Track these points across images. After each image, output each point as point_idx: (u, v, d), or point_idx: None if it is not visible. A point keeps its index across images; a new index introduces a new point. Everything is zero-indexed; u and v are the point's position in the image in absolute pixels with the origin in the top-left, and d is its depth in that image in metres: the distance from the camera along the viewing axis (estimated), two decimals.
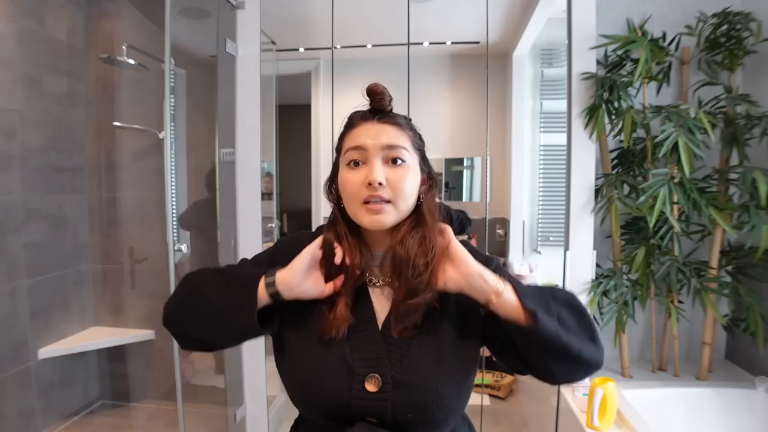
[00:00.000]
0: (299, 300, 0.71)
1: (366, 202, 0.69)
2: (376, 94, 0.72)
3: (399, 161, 0.71)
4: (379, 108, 0.73)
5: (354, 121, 0.74)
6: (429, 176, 0.77)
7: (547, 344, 0.63)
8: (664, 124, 1.47)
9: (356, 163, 0.71)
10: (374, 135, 0.71)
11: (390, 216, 0.70)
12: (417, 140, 0.76)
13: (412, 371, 0.68)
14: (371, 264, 0.76)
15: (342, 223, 0.75)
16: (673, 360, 1.72)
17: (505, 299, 0.65)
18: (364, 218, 0.70)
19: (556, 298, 0.67)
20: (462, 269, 0.67)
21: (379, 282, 0.75)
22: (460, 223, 2.70)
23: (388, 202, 0.69)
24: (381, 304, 0.74)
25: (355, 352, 0.69)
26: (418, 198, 0.74)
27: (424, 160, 0.77)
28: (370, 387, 0.67)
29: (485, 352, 0.78)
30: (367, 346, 0.70)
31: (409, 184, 0.71)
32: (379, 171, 0.69)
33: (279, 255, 0.76)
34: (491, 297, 0.65)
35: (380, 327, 0.72)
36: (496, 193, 3.07)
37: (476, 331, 0.74)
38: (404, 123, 0.74)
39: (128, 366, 2.50)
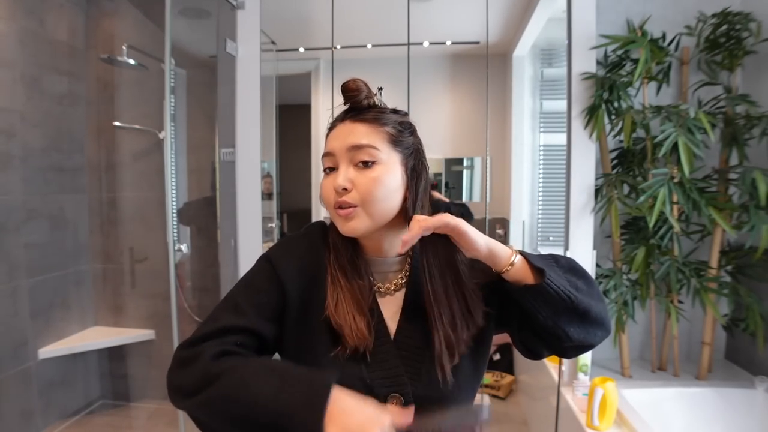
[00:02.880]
0: (304, 307, 0.68)
1: (337, 209, 0.66)
2: (348, 90, 0.67)
3: (369, 163, 0.66)
4: (353, 106, 0.69)
5: (333, 123, 0.70)
6: (414, 169, 0.70)
7: (557, 300, 0.61)
8: (664, 124, 1.47)
9: (331, 170, 0.68)
10: (341, 137, 0.67)
11: (362, 222, 0.66)
12: (399, 134, 0.68)
13: (431, 386, 0.65)
14: (372, 269, 0.72)
15: (337, 231, 0.70)
16: (673, 360, 1.72)
17: (518, 266, 0.64)
18: (339, 225, 0.68)
19: (558, 262, 0.67)
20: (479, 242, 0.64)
21: (383, 288, 0.72)
22: (462, 218, 2.58)
23: (354, 206, 0.66)
24: (389, 312, 0.70)
25: (373, 370, 0.65)
26: (406, 199, 0.69)
27: (410, 154, 0.70)
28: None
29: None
30: (383, 363, 0.66)
31: (380, 187, 0.65)
32: (343, 175, 0.65)
33: (277, 273, 0.68)
34: (506, 265, 0.63)
35: (393, 339, 0.68)
36: (496, 193, 3.07)
37: (488, 329, 0.71)
38: (381, 118, 0.68)
39: (128, 366, 2.50)
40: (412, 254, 0.73)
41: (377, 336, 0.67)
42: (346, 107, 0.70)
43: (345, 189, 0.65)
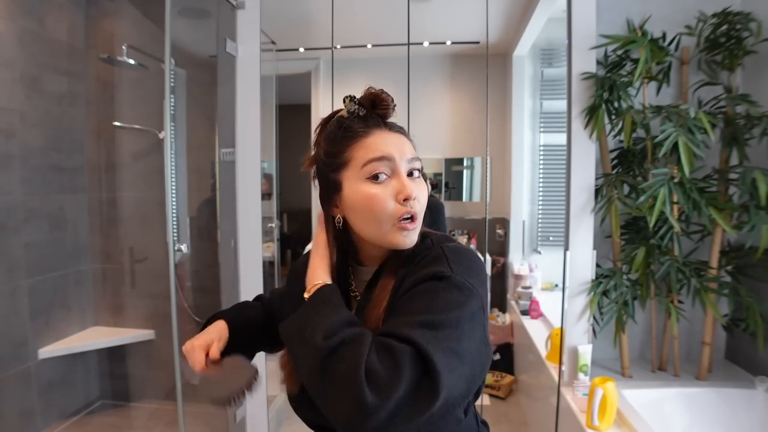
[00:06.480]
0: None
1: (400, 221, 0.64)
2: (382, 101, 0.66)
3: (416, 173, 0.67)
4: (383, 116, 0.67)
5: (362, 129, 0.65)
6: None
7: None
8: (664, 124, 1.47)
9: (377, 177, 0.64)
10: (396, 145, 0.65)
11: (416, 232, 0.66)
12: None
13: None
14: (355, 276, 0.74)
15: (337, 246, 0.70)
16: (673, 360, 1.72)
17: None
18: (395, 238, 0.64)
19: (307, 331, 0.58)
20: None
21: (358, 294, 0.73)
22: (436, 211, 2.48)
23: (417, 218, 0.66)
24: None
25: None
26: None
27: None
28: None
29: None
30: None
31: (426, 198, 0.68)
32: (411, 185, 0.64)
33: (292, 283, 0.77)
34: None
35: None
36: (496, 193, 3.07)
37: None
38: (407, 133, 0.70)
39: (128, 366, 2.50)
40: (381, 264, 0.72)
41: None
42: (359, 112, 0.67)
43: (415, 198, 0.64)
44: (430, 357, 0.52)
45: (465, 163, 3.15)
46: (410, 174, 0.66)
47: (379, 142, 0.64)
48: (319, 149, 0.69)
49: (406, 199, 0.63)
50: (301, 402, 0.72)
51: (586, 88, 1.61)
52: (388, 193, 0.63)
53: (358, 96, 0.68)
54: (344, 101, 0.68)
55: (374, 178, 0.63)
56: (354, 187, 0.64)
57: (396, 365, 0.51)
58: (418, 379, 0.51)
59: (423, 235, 0.71)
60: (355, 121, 0.66)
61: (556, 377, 1.70)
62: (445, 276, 0.59)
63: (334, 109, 0.71)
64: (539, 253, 3.00)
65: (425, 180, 0.71)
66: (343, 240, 0.71)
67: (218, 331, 0.73)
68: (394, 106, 0.68)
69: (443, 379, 0.52)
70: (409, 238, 0.65)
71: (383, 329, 0.57)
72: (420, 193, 0.66)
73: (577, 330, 1.64)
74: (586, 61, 1.61)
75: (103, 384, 2.51)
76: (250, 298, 0.88)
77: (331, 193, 0.68)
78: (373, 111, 0.66)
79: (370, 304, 0.66)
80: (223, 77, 1.82)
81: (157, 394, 2.51)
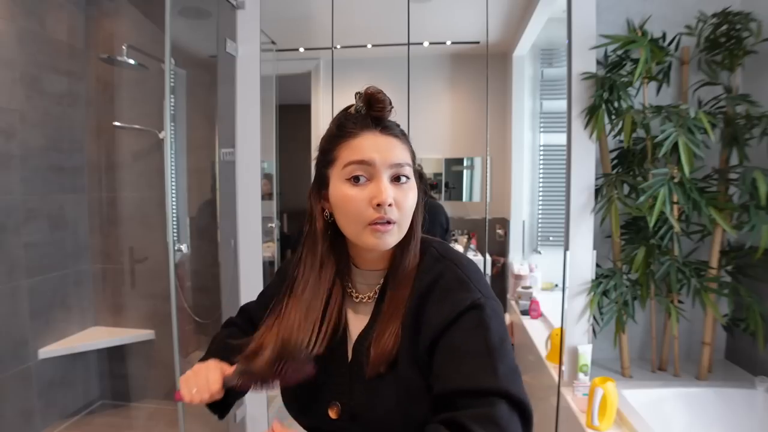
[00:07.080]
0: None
1: (372, 224, 0.64)
2: (378, 102, 0.65)
3: (403, 179, 0.66)
4: (379, 116, 0.66)
5: (352, 129, 0.66)
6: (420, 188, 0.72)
7: None
8: (664, 124, 1.47)
9: (357, 179, 0.64)
10: (381, 149, 0.64)
11: (394, 237, 0.66)
12: (413, 153, 0.70)
13: (370, 407, 0.65)
14: (353, 277, 0.73)
15: (326, 239, 0.70)
16: (673, 360, 1.72)
17: None
18: (368, 240, 0.65)
19: None
20: None
21: (357, 297, 0.72)
22: (434, 213, 2.50)
23: (393, 222, 0.64)
24: (356, 322, 0.71)
25: (325, 374, 0.68)
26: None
27: (418, 174, 0.71)
28: (332, 413, 0.67)
29: None
30: (335, 371, 0.69)
31: (412, 204, 0.67)
32: (389, 191, 0.63)
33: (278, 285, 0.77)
34: None
35: (350, 352, 0.70)
36: (496, 193, 3.07)
37: (417, 363, 0.65)
38: (405, 135, 0.69)
39: (128, 366, 2.50)
40: (388, 269, 0.71)
41: (337, 344, 0.70)
42: (359, 111, 0.67)
43: (390, 205, 0.63)
44: (521, 399, 0.56)
45: (465, 163, 3.16)
46: (397, 179, 0.65)
47: (365, 144, 0.64)
48: (321, 143, 0.71)
49: (379, 205, 0.63)
50: (294, 404, 0.72)
51: (586, 88, 1.61)
52: (364, 196, 0.64)
53: None
54: (356, 97, 0.68)
55: (354, 179, 0.64)
56: (336, 185, 0.66)
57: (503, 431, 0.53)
58: (523, 429, 0.55)
59: (425, 244, 0.70)
60: (350, 120, 0.67)
61: (556, 377, 1.69)
62: (481, 304, 0.62)
63: (345, 106, 0.71)
64: (539, 253, 3.00)
65: (424, 183, 0.71)
66: (338, 240, 0.72)
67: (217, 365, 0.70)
68: (391, 108, 0.67)
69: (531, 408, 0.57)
70: (383, 240, 0.64)
71: (460, 384, 0.57)
72: (402, 200, 0.65)
73: (577, 330, 1.64)
74: (586, 61, 1.61)
75: (103, 384, 2.52)
76: (251, 298, 0.87)
77: (321, 187, 0.70)
78: (369, 111, 0.66)
79: (381, 317, 0.67)
80: (223, 77, 1.82)
81: (157, 394, 2.51)
